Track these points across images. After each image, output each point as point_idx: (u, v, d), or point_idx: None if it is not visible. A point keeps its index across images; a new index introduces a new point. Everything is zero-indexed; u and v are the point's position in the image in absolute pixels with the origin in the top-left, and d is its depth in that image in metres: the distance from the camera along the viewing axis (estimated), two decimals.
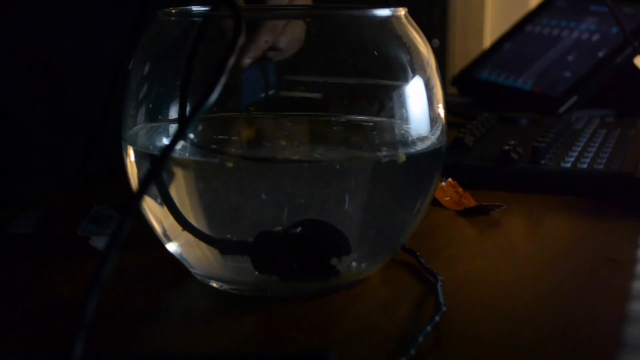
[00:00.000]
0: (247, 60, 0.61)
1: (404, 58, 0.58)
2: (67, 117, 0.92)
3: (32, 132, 0.91)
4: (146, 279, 0.61)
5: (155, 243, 0.59)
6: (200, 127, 0.59)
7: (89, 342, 0.36)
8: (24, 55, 0.89)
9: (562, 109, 1.13)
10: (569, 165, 0.82)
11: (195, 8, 0.59)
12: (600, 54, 1.17)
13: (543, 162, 0.83)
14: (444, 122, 0.59)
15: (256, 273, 0.55)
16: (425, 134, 0.58)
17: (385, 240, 0.59)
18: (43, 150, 0.91)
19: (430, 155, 0.58)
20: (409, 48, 0.58)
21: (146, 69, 0.58)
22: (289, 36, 0.65)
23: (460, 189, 0.78)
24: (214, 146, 0.59)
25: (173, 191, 0.55)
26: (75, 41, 0.91)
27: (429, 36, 0.60)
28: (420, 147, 0.57)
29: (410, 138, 0.57)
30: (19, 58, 0.89)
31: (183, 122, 0.51)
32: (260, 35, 0.64)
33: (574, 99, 1.14)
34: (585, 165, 0.82)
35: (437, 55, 0.60)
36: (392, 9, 0.57)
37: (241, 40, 0.62)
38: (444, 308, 0.53)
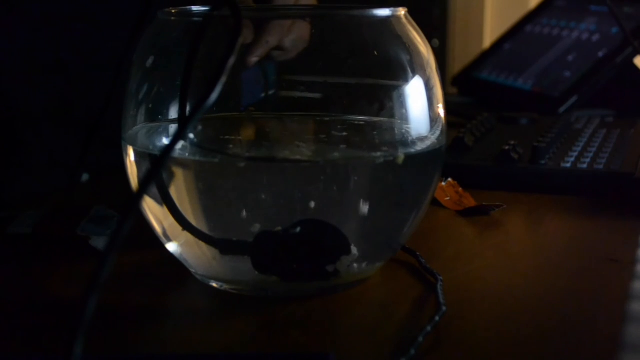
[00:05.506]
0: (253, 59, 0.61)
1: (404, 58, 0.58)
2: (68, 115, 0.92)
3: (33, 132, 0.91)
4: (146, 279, 0.61)
5: (155, 243, 0.59)
6: (200, 127, 0.59)
7: (89, 342, 0.36)
8: (26, 54, 0.89)
9: (562, 109, 1.13)
10: (569, 165, 0.82)
11: (195, 8, 0.59)
12: (600, 54, 1.17)
13: (543, 162, 0.83)
14: (444, 122, 0.59)
15: (256, 273, 0.55)
16: (425, 134, 0.58)
17: (385, 240, 0.59)
18: (43, 150, 0.91)
19: (430, 155, 0.58)
20: (409, 48, 0.58)
21: (146, 69, 0.58)
22: (294, 36, 0.66)
23: (460, 189, 0.78)
24: (213, 146, 0.59)
25: (173, 191, 0.55)
26: (79, 40, 0.91)
27: (429, 36, 0.60)
28: (420, 147, 0.57)
29: (410, 138, 0.57)
30: (21, 57, 0.89)
31: (183, 122, 0.51)
32: (264, 34, 0.64)
33: (574, 99, 1.14)
34: (585, 165, 0.82)
35: (437, 55, 0.60)
36: (392, 9, 0.57)
37: (249, 38, 0.62)
38: (444, 308, 0.53)
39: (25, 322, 0.54)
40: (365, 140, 0.59)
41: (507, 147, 0.84)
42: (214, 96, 0.42)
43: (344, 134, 0.59)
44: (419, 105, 0.57)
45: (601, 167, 0.81)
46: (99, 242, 0.64)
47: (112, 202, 0.69)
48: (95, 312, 0.36)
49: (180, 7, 0.59)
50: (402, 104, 0.57)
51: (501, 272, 0.62)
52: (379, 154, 0.57)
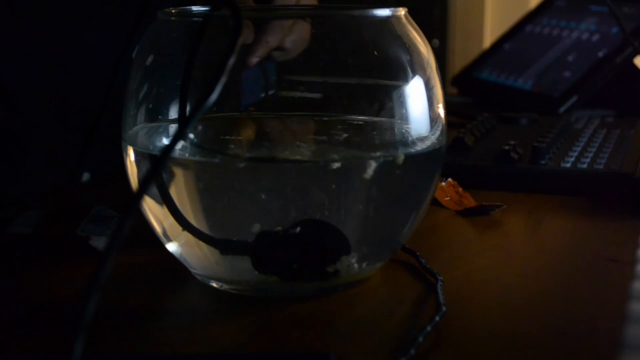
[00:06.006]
0: (254, 59, 0.61)
1: (404, 58, 0.58)
2: (68, 115, 0.92)
3: (33, 132, 0.91)
4: (146, 279, 0.61)
5: (155, 243, 0.59)
6: (200, 127, 0.59)
7: (89, 342, 0.36)
8: (26, 54, 0.89)
9: (562, 109, 1.13)
10: (569, 165, 0.82)
11: (195, 8, 0.59)
12: (600, 54, 1.17)
13: (543, 162, 0.83)
14: (444, 122, 0.59)
15: (256, 273, 0.55)
16: (425, 134, 0.58)
17: (385, 240, 0.59)
18: (43, 150, 0.91)
19: (430, 155, 0.58)
20: (409, 48, 0.58)
21: (146, 69, 0.58)
22: (294, 36, 0.66)
23: (460, 189, 0.78)
24: (214, 146, 0.59)
25: (173, 191, 0.55)
26: (78, 39, 0.91)
27: (429, 36, 0.60)
28: (420, 147, 0.57)
29: (410, 138, 0.57)
30: (21, 57, 0.89)
31: (183, 122, 0.51)
32: (265, 34, 0.64)
33: (574, 99, 1.14)
34: (585, 165, 0.82)
35: (437, 55, 0.60)
36: (392, 9, 0.57)
37: (249, 38, 0.62)
38: (444, 308, 0.53)
39: (25, 322, 0.54)
40: (365, 140, 0.59)
41: (507, 147, 0.84)
42: (214, 96, 0.42)
43: (344, 134, 0.59)
44: (419, 105, 0.57)
45: (601, 167, 0.81)
46: (99, 242, 0.64)
47: (112, 202, 0.69)
48: (95, 312, 0.36)
49: (180, 7, 0.59)
50: (402, 104, 0.57)
51: (501, 272, 0.62)
52: (378, 154, 0.57)
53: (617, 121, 1.05)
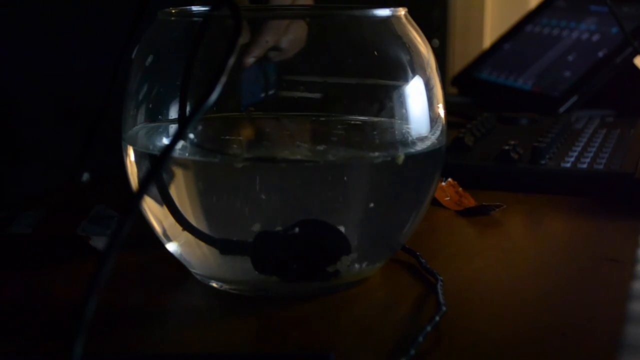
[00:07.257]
0: (250, 59, 0.61)
1: (404, 58, 0.58)
2: (68, 115, 0.92)
3: (33, 132, 0.91)
4: (146, 279, 0.61)
5: (155, 243, 0.59)
6: (200, 127, 0.59)
7: (89, 342, 0.36)
8: (25, 54, 0.89)
9: (562, 109, 1.13)
10: (569, 165, 0.82)
11: (195, 8, 0.59)
12: (600, 54, 1.17)
13: (543, 162, 0.83)
14: (444, 122, 0.59)
15: (256, 273, 0.55)
16: (425, 134, 0.58)
17: (385, 240, 0.59)
18: (43, 150, 0.91)
19: (430, 155, 0.58)
20: (409, 48, 0.58)
21: (146, 69, 0.58)
22: (291, 36, 0.66)
23: (460, 189, 0.78)
24: (213, 146, 0.59)
25: (173, 191, 0.55)
26: (78, 39, 0.91)
27: (429, 36, 0.60)
28: (420, 147, 0.57)
29: (410, 138, 0.57)
30: (20, 57, 0.89)
31: (183, 122, 0.51)
32: (262, 35, 0.64)
33: (574, 99, 1.14)
34: (585, 165, 0.82)
35: (437, 55, 0.60)
36: (392, 9, 0.57)
37: (245, 39, 0.62)
38: (444, 308, 0.53)
39: (25, 322, 0.54)
40: (365, 140, 0.59)
41: (507, 147, 0.84)
42: (214, 96, 0.42)
43: (344, 134, 0.59)
44: (419, 105, 0.57)
45: (601, 167, 0.81)
46: (99, 242, 0.64)
47: (112, 202, 0.69)
48: (95, 312, 0.36)
49: (180, 7, 0.59)
50: (402, 104, 0.57)
51: (501, 272, 0.62)
52: (378, 154, 0.57)
53: (617, 121, 1.05)
